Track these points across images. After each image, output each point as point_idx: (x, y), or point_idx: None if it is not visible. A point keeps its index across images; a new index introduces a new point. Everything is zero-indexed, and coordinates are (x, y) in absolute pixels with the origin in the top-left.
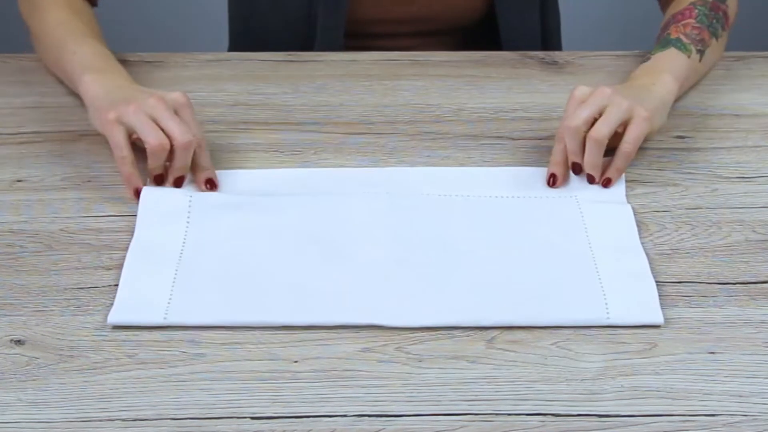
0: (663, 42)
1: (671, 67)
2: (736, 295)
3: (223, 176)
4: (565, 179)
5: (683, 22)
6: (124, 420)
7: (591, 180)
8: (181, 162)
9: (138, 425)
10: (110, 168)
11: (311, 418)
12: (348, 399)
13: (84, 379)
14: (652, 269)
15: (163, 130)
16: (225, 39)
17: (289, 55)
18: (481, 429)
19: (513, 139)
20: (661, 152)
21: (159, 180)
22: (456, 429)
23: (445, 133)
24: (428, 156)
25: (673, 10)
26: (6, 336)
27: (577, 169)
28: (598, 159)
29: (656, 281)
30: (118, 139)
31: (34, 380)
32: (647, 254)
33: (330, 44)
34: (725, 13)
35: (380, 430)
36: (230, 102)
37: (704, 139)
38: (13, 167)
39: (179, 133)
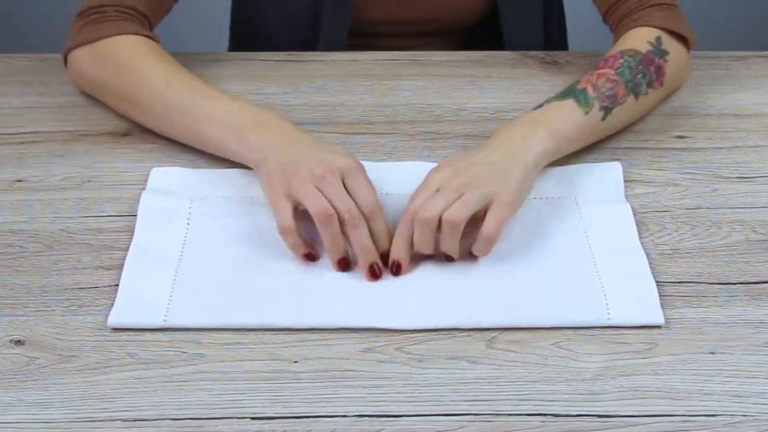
0: (566, 90)
1: (554, 122)
2: (736, 295)
3: (222, 175)
4: (408, 266)
5: (600, 71)
6: (125, 420)
7: (450, 259)
8: (357, 241)
9: (139, 425)
10: (110, 168)
11: (312, 419)
12: (348, 399)
13: (85, 379)
14: (653, 269)
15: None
16: (225, 39)
17: (290, 55)
18: (481, 429)
19: None
20: (661, 152)
21: (343, 264)
22: (456, 429)
23: (445, 133)
24: (428, 156)
25: (608, 52)
26: (6, 336)
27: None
28: (455, 242)
29: (656, 281)
30: (284, 213)
31: (34, 380)
32: (647, 254)
33: (333, 44)
34: (659, 69)
35: (381, 430)
36: None
37: (704, 139)
38: (13, 167)
39: (345, 208)
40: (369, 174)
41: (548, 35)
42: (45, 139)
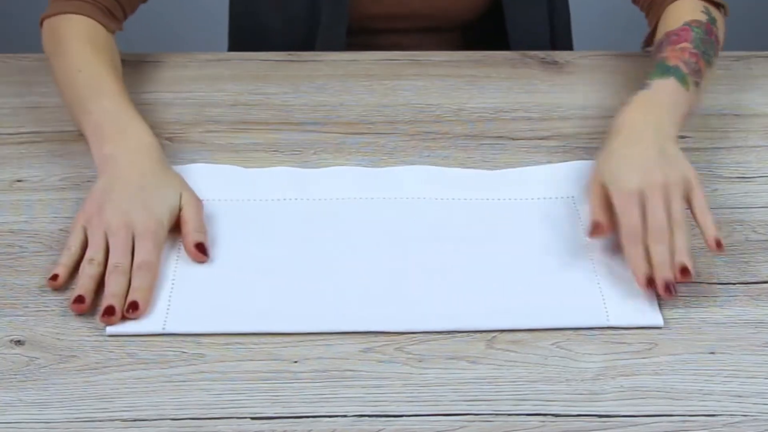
0: (661, 67)
1: (672, 102)
2: (736, 295)
3: (219, 171)
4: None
5: (680, 46)
6: (124, 420)
7: (685, 273)
8: (107, 287)
9: (138, 425)
10: None
11: (311, 419)
12: (348, 399)
13: (84, 379)
14: None
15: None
16: (225, 39)
17: (289, 55)
18: (481, 429)
19: (513, 139)
20: None
21: (78, 301)
22: (456, 429)
23: (445, 133)
24: (428, 156)
25: (666, 26)
26: (6, 336)
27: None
28: (688, 239)
29: None
30: (73, 240)
31: (34, 380)
32: None
33: (332, 40)
34: (717, 38)
35: (380, 430)
36: (230, 102)
37: (704, 139)
38: (13, 167)
39: (114, 261)
40: (376, 179)
41: (553, 31)
42: (45, 139)
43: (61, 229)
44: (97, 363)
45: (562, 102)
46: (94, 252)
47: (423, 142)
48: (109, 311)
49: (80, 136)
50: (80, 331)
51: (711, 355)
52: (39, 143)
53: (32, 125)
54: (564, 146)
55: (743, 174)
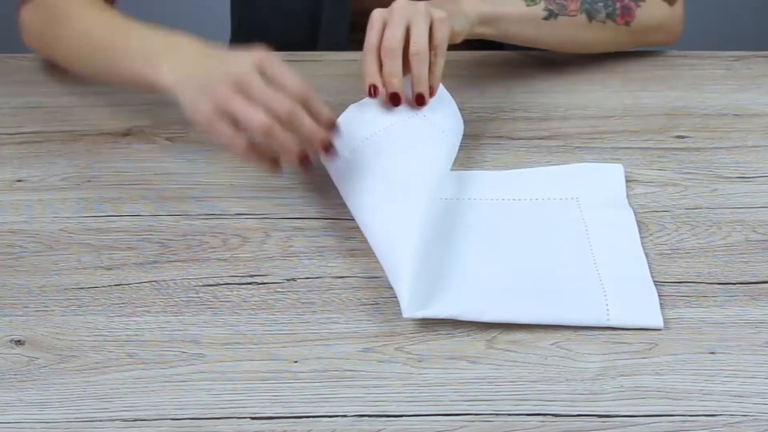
0: None
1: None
2: (736, 295)
3: None
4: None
5: None
6: (124, 420)
7: (420, 101)
8: (302, 131)
9: (138, 425)
10: (110, 168)
11: (311, 419)
12: (348, 399)
13: (84, 379)
14: (653, 269)
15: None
16: (225, 39)
17: (289, 55)
18: (481, 429)
19: (513, 139)
20: (661, 152)
21: (305, 161)
22: (456, 429)
23: None
24: None
25: None
26: (6, 336)
27: (398, 99)
28: (424, 71)
29: (656, 281)
30: (227, 133)
31: (34, 380)
32: (647, 254)
33: (334, 36)
34: (626, 7)
35: (380, 430)
36: None
37: (704, 139)
38: (13, 167)
39: (279, 106)
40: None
41: None
42: (45, 139)
43: (61, 229)
44: (97, 363)
45: (562, 102)
46: (259, 119)
47: None
48: (326, 148)
49: (81, 136)
50: (80, 331)
51: (711, 355)
52: (39, 143)
53: (32, 125)
54: (564, 146)
55: (743, 174)
